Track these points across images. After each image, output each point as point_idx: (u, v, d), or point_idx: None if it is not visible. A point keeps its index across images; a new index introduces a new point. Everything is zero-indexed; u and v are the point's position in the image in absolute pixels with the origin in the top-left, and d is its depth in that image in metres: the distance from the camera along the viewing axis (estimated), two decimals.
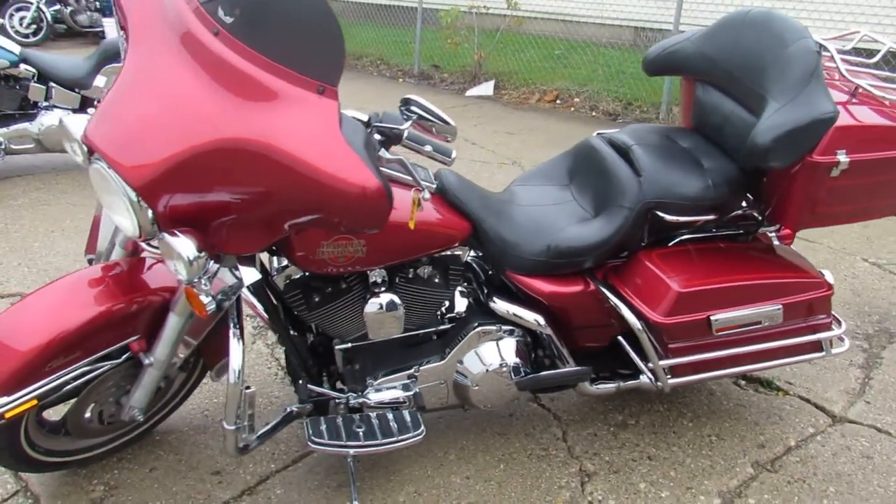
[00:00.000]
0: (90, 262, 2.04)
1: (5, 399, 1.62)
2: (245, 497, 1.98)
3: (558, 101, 6.89)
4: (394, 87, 7.54)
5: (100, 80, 4.35)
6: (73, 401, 1.86)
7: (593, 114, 6.51)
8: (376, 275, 1.84)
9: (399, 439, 1.87)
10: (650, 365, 1.95)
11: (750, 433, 2.25)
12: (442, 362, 1.97)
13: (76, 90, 4.35)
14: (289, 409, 1.96)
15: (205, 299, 1.58)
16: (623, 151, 1.99)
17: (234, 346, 1.67)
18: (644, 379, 2.08)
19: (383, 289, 1.86)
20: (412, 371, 1.96)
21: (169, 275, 1.85)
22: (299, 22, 1.47)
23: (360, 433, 1.88)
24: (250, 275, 1.71)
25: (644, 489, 2.02)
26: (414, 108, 1.70)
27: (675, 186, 1.89)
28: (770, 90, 1.78)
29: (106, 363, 1.78)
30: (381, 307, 1.83)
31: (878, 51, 1.92)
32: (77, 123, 1.67)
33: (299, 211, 1.49)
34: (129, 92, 1.51)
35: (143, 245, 1.76)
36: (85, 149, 1.67)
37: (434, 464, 2.10)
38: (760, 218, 2.02)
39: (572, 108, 6.68)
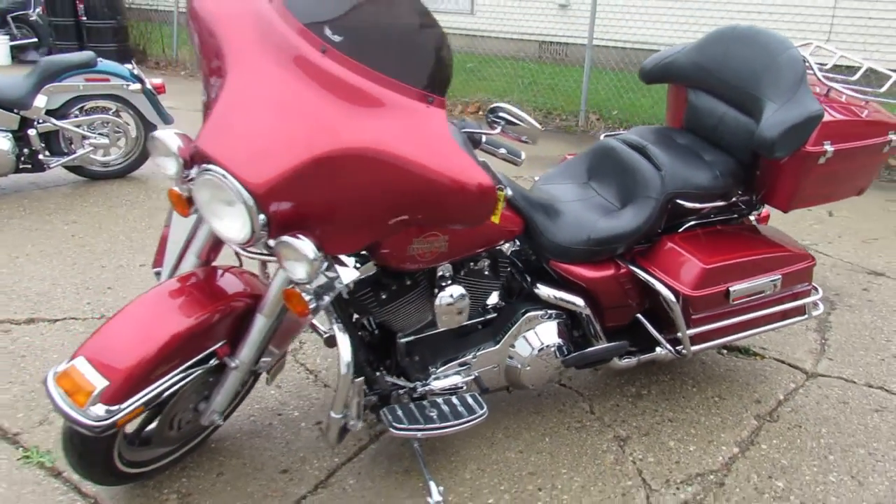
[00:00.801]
0: (157, 274, 2.08)
1: (118, 406, 1.66)
2: (320, 490, 2.08)
3: (480, 112, 7.20)
4: None
5: (40, 101, 4.21)
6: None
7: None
8: (444, 269, 2.01)
9: (468, 419, 2.04)
10: (679, 335, 2.22)
11: (745, 392, 2.58)
12: (496, 347, 2.15)
13: (15, 111, 4.17)
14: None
15: (307, 298, 1.70)
16: (640, 150, 2.26)
17: (343, 340, 1.79)
18: (660, 351, 2.36)
19: (450, 282, 2.02)
20: (469, 358, 2.14)
21: (243, 281, 1.94)
22: (407, 37, 1.63)
23: (434, 416, 2.03)
24: (348, 273, 1.82)
25: (674, 446, 2.29)
26: (502, 115, 1.88)
27: (691, 178, 2.18)
28: (766, 93, 2.11)
29: (197, 369, 1.84)
30: (452, 299, 1.99)
31: (855, 67, 2.30)
32: (170, 138, 1.74)
33: (415, 211, 1.64)
34: (242, 107, 1.61)
35: (240, 251, 1.83)
36: (180, 162, 1.74)
37: (486, 443, 2.28)
38: (753, 203, 2.36)
39: None
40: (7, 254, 3.53)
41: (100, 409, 1.65)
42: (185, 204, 1.87)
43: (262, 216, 1.58)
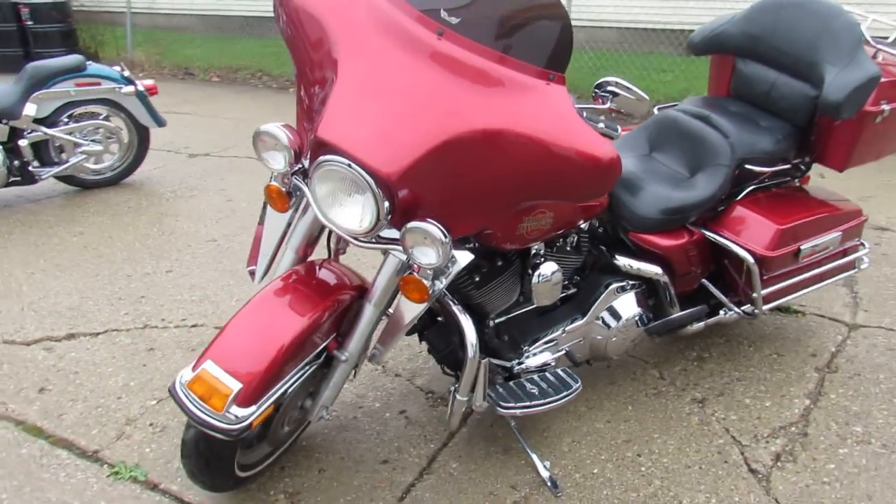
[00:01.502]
0: (251, 273, 2.04)
1: (252, 408, 1.64)
2: (426, 476, 2.09)
3: None
4: (286, 99, 7.47)
5: (30, 109, 4.03)
6: None
7: None
8: (538, 246, 2.03)
9: (567, 393, 2.07)
10: (755, 295, 2.30)
11: (799, 347, 2.69)
12: (583, 321, 2.19)
13: (3, 121, 3.99)
14: (455, 386, 2.08)
15: (428, 283, 1.70)
16: (703, 119, 2.32)
17: (466, 322, 1.80)
18: (724, 314, 2.45)
19: (543, 259, 2.04)
20: (559, 334, 2.17)
21: (345, 274, 1.92)
22: (525, 14, 1.63)
23: (536, 393, 2.06)
24: (464, 256, 1.81)
25: (750, 403, 2.38)
26: (610, 89, 1.87)
27: (756, 143, 2.26)
28: (825, 57, 2.19)
29: (312, 365, 1.82)
30: (549, 275, 2.01)
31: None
32: (278, 130, 1.71)
33: (544, 188, 1.66)
34: (362, 95, 1.59)
35: (353, 241, 1.80)
36: (291, 154, 1.71)
37: (573, 417, 2.33)
38: (808, 165, 2.46)
39: None
40: (21, 270, 3.39)
41: (237, 412, 1.63)
42: (286, 199, 1.85)
43: (386, 203, 1.57)
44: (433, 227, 1.58)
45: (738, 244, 2.22)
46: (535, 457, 2.10)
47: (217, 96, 7.61)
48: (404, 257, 1.72)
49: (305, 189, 1.77)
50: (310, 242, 1.95)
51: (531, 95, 1.61)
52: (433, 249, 1.60)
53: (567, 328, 2.18)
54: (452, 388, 2.09)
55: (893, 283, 3.17)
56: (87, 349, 2.75)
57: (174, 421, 2.32)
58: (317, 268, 1.93)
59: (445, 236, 1.58)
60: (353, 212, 1.63)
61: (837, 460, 2.11)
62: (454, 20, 1.63)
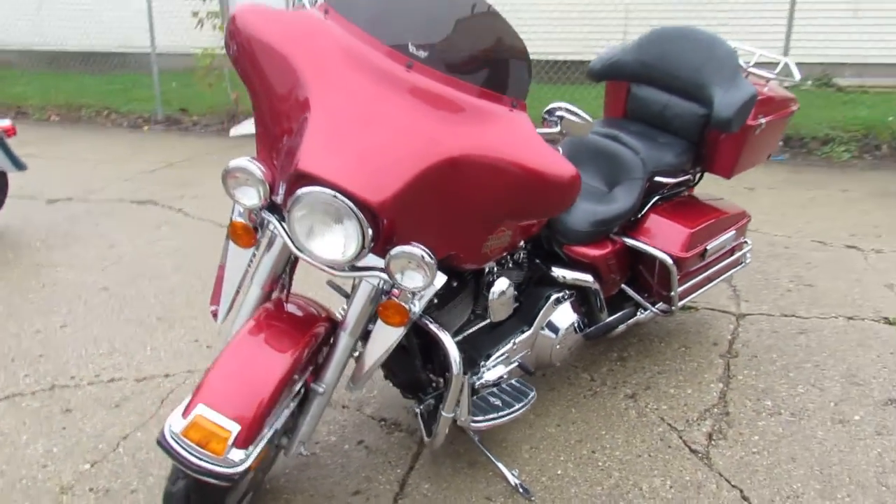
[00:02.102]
0: (214, 312, 1.97)
1: (248, 450, 1.61)
2: (401, 501, 2.12)
3: None
4: (142, 138, 7.11)
5: None
6: None
7: None
8: (491, 264, 2.14)
9: (527, 401, 2.20)
10: (672, 294, 2.55)
11: (702, 339, 3.00)
12: (530, 332, 2.33)
13: None
14: (420, 408, 2.14)
15: (409, 306, 1.76)
16: (612, 138, 2.56)
17: (447, 340, 1.86)
18: (640, 314, 2.69)
19: (495, 276, 2.16)
20: (509, 347, 2.29)
21: (314, 307, 1.93)
22: (487, 48, 1.75)
23: (500, 404, 2.16)
24: (439, 279, 1.87)
25: (674, 392, 2.63)
26: (559, 113, 1.99)
27: (662, 157, 2.53)
28: (711, 80, 2.50)
29: (293, 401, 1.81)
30: (504, 291, 2.13)
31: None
32: (252, 165, 1.70)
33: (516, 207, 1.77)
34: (339, 126, 1.63)
35: (330, 271, 1.80)
36: (266, 189, 1.71)
37: (525, 426, 2.45)
38: (699, 175, 2.77)
39: None
40: None
41: (236, 454, 1.59)
42: (252, 235, 1.84)
43: (370, 231, 1.62)
44: (421, 251, 1.64)
45: (657, 248, 2.46)
46: (501, 466, 2.19)
47: (60, 137, 7.09)
48: (377, 283, 1.77)
49: (275, 223, 1.77)
50: (274, 278, 1.94)
51: (498, 122, 1.72)
52: (420, 273, 1.66)
53: (516, 341, 2.30)
54: (418, 410, 2.14)
55: (762, 275, 3.60)
56: None
57: (116, 483, 2.19)
58: (284, 304, 1.92)
59: (432, 259, 1.65)
60: (334, 242, 1.66)
61: (759, 432, 2.39)
62: (422, 54, 1.72)
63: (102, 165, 5.90)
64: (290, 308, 1.90)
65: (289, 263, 1.95)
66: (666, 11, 7.48)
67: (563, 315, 2.40)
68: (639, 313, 2.71)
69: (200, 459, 1.57)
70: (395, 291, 1.75)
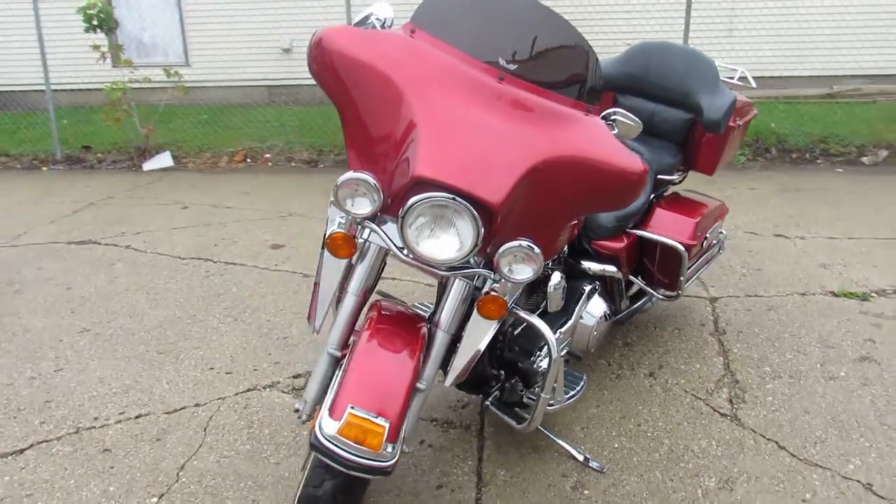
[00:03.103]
0: (313, 325, 2.01)
1: (397, 445, 1.69)
2: (484, 489, 2.24)
3: (248, 160, 7.15)
4: (44, 179, 6.71)
5: None
6: None
7: (292, 164, 6.98)
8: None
9: (583, 384, 2.40)
10: (682, 279, 2.83)
11: (690, 321, 3.32)
12: (571, 322, 2.52)
13: None
14: (489, 401, 2.28)
15: (508, 298, 1.92)
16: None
17: (544, 327, 2.02)
18: (645, 301, 2.97)
19: (550, 270, 2.34)
20: (557, 336, 2.47)
21: (407, 308, 2.03)
22: (566, 59, 1.94)
23: (564, 390, 2.34)
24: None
25: (685, 368, 2.90)
26: (614, 117, 2.20)
27: (662, 158, 2.83)
28: (696, 89, 2.83)
29: None
30: (559, 283, 2.31)
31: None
32: (366, 176, 1.79)
33: (598, 202, 1.96)
34: (449, 134, 1.76)
35: (438, 272, 1.91)
36: (381, 197, 1.80)
37: (569, 410, 2.62)
38: (685, 174, 3.10)
39: (270, 164, 7.02)
40: None
41: (389, 448, 1.66)
42: (352, 244, 1.91)
43: (482, 230, 1.76)
44: (529, 244, 1.80)
45: (670, 238, 2.74)
46: (567, 446, 2.36)
47: None
48: (474, 280, 1.91)
49: (379, 230, 1.87)
50: (369, 287, 2.01)
51: (578, 125, 1.92)
52: (530, 266, 1.82)
53: (560, 331, 2.49)
54: (488, 403, 2.28)
55: (716, 263, 3.99)
56: (23, 468, 2.36)
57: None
58: (383, 309, 1.99)
59: (540, 251, 1.81)
60: (449, 242, 1.78)
61: (770, 393, 2.71)
62: (511, 67, 1.89)
63: (14, 209, 5.54)
64: (393, 312, 1.98)
65: (381, 270, 2.04)
66: None
67: (596, 305, 2.61)
68: (643, 300, 2.98)
69: (359, 456, 1.62)
70: (496, 286, 1.89)
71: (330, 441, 1.64)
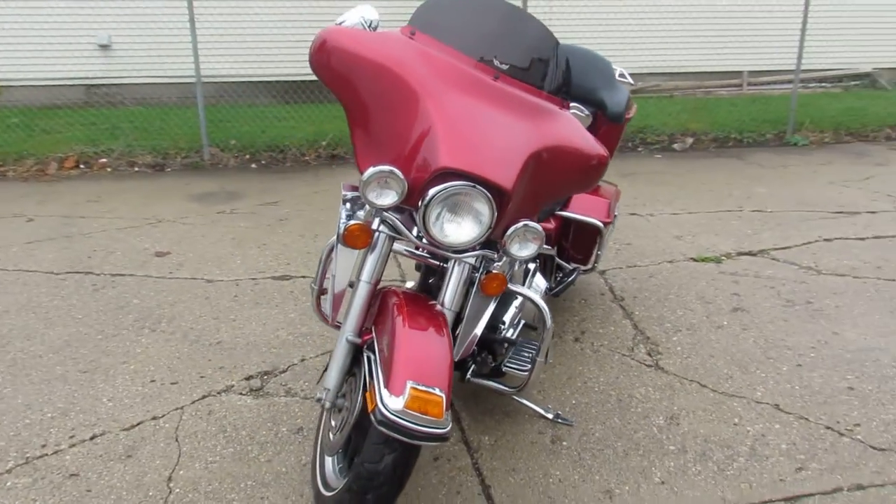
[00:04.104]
0: (338, 326, 2.08)
1: (449, 413, 1.84)
2: (475, 455, 2.44)
3: (82, 167, 6.61)
4: None
5: None
6: None
7: (136, 169, 6.57)
8: None
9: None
10: (599, 253, 3.22)
11: (591, 292, 3.74)
12: (522, 299, 2.80)
13: None
14: (468, 376, 2.49)
15: (508, 275, 2.15)
16: None
17: (538, 298, 2.26)
18: (575, 276, 3.34)
19: None
20: (514, 311, 2.73)
21: (415, 291, 2.18)
22: (547, 59, 2.18)
23: (528, 357, 2.60)
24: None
25: (603, 331, 3.30)
26: (571, 111, 2.45)
27: None
28: (598, 85, 3.23)
29: None
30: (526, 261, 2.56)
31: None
32: (395, 169, 1.90)
33: (577, 184, 2.24)
34: (461, 127, 1.95)
35: (452, 255, 2.06)
36: (406, 188, 1.93)
37: None
38: None
39: (109, 169, 6.55)
40: None
41: (448, 417, 1.80)
42: (369, 234, 2.02)
43: (494, 214, 1.97)
44: (536, 226, 2.03)
45: (591, 217, 3.11)
46: (535, 407, 2.63)
47: None
48: (474, 261, 2.11)
49: (396, 220, 2.01)
50: (380, 275, 2.12)
51: (558, 118, 2.19)
52: (535, 244, 2.05)
53: (516, 305, 2.75)
54: (469, 377, 2.48)
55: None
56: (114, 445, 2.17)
57: None
58: (398, 294, 2.10)
59: (542, 231, 2.06)
60: (468, 226, 1.96)
61: (678, 344, 3.18)
62: (504, 66, 2.10)
63: None
64: (410, 295, 2.10)
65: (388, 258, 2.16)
66: None
67: (539, 281, 2.91)
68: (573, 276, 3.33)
69: (424, 426, 1.75)
70: (497, 265, 2.11)
71: (397, 415, 1.74)
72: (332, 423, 2.09)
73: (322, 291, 2.42)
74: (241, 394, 2.77)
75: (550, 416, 2.62)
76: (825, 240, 4.52)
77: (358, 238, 2.01)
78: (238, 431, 2.53)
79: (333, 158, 6.95)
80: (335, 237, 2.30)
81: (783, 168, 6.49)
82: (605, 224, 3.14)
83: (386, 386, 1.80)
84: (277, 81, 8.24)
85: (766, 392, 2.79)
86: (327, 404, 2.06)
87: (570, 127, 2.20)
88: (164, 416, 2.63)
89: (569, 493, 2.24)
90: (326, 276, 2.18)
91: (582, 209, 3.13)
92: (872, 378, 2.88)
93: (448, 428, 1.80)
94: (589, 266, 3.31)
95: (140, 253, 4.30)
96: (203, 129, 6.75)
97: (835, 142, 7.57)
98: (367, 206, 2.01)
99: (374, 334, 2.01)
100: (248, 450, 2.44)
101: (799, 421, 2.60)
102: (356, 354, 2.08)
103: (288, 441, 2.48)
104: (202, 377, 2.89)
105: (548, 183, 2.14)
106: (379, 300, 2.10)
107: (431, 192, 1.90)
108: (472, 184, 1.89)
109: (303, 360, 3.02)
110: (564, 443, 2.49)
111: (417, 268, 2.50)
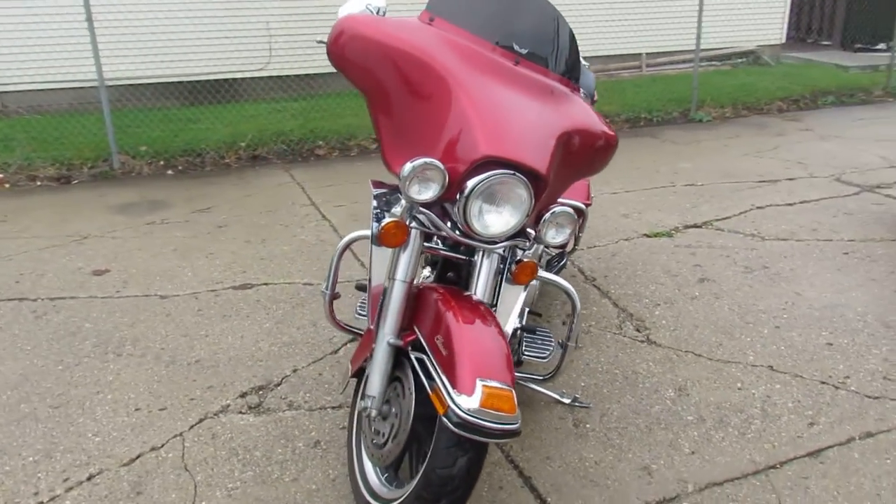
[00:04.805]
0: (349, 330, 1.98)
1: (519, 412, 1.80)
2: (509, 445, 2.41)
3: None
4: None
5: None
6: None
7: (38, 183, 6.04)
8: None
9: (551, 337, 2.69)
10: (580, 235, 3.24)
11: (563, 275, 3.78)
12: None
13: None
14: None
15: (539, 263, 2.14)
16: None
17: (566, 284, 2.23)
18: (565, 261, 3.36)
19: None
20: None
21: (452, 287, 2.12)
22: (562, 44, 2.16)
23: (541, 343, 2.59)
24: None
25: (587, 313, 3.35)
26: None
27: None
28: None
29: None
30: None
31: None
32: (437, 162, 1.82)
33: (592, 163, 2.23)
34: (494, 116, 1.90)
35: (487, 246, 1.99)
36: (447, 179, 1.86)
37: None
38: None
39: (7, 185, 5.98)
40: None
41: (519, 411, 1.76)
42: (405, 230, 1.94)
43: (533, 200, 1.95)
44: (570, 209, 2.02)
45: (574, 199, 3.13)
46: (552, 394, 2.63)
47: None
48: (503, 251, 2.07)
49: (429, 214, 1.94)
50: (415, 273, 2.04)
51: (574, 101, 2.18)
52: (570, 228, 2.04)
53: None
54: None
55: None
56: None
57: None
58: (440, 290, 2.01)
59: (576, 215, 2.05)
60: (507, 215, 1.92)
61: (662, 318, 3.28)
62: (524, 51, 2.07)
63: None
64: (452, 292, 2.01)
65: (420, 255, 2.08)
66: (302, 22, 8.15)
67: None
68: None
69: (500, 423, 1.70)
70: (528, 253, 2.08)
71: (473, 416, 1.68)
72: (380, 431, 2.00)
73: (335, 296, 2.31)
74: (240, 412, 2.61)
75: (567, 400, 2.62)
76: (758, 208, 4.78)
77: (395, 236, 1.92)
78: (251, 453, 2.38)
79: (255, 160, 6.66)
80: (348, 238, 2.21)
81: (696, 143, 6.82)
82: (587, 206, 3.17)
83: (454, 386, 1.73)
84: (187, 82, 7.82)
85: (757, 355, 2.92)
86: (373, 413, 1.96)
87: (586, 110, 2.20)
88: (163, 445, 2.43)
89: (609, 473, 2.26)
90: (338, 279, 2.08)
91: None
92: (845, 332, 3.08)
93: (519, 423, 1.76)
94: (571, 248, 3.35)
95: (75, 273, 3.95)
96: (111, 136, 6.28)
97: (734, 116, 8.03)
98: (403, 203, 1.94)
99: (419, 334, 1.93)
100: (268, 471, 2.29)
101: (795, 379, 2.74)
102: (397, 358, 2.00)
103: (308, 457, 2.36)
104: (192, 399, 2.69)
105: (571, 165, 2.13)
106: (414, 299, 2.02)
107: (472, 182, 1.85)
108: (512, 171, 1.84)
109: (295, 371, 2.88)
110: (588, 425, 2.51)
111: (432, 264, 2.44)
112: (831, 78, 9.21)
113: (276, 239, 4.41)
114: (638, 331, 3.16)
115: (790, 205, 4.82)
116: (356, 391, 2.28)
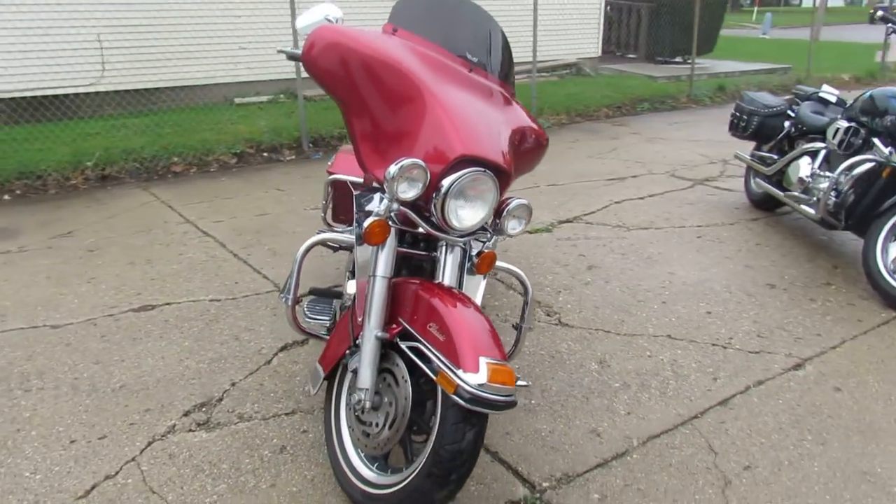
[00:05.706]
0: (311, 335, 2.06)
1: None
2: None
3: None
4: None
5: None
6: None
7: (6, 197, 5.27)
8: None
9: None
10: None
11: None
12: None
13: None
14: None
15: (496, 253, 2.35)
16: None
17: (519, 271, 2.43)
18: None
19: None
20: None
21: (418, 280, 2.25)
22: (504, 54, 2.36)
23: None
24: None
25: (494, 307, 3.60)
26: None
27: None
28: None
29: None
30: None
31: None
32: (420, 162, 1.95)
33: (533, 161, 2.47)
34: (464, 118, 2.08)
35: (455, 240, 2.14)
36: (429, 178, 2.00)
37: None
38: None
39: None
40: None
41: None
42: (387, 229, 2.05)
43: (499, 195, 2.15)
44: (527, 201, 2.24)
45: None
46: None
47: None
48: (464, 244, 2.25)
49: (409, 212, 2.07)
50: (393, 269, 2.13)
51: (515, 105, 2.42)
52: (526, 220, 2.26)
53: None
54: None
55: None
56: None
57: None
58: (415, 282, 2.12)
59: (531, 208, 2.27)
60: (478, 210, 2.11)
61: (566, 303, 3.59)
62: (475, 59, 2.26)
63: None
64: (422, 283, 2.13)
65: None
66: (138, 35, 7.80)
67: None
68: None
69: (503, 396, 1.86)
70: (489, 244, 2.28)
71: (482, 391, 1.83)
72: (373, 422, 2.08)
73: (297, 301, 2.35)
74: (190, 430, 2.54)
75: (523, 382, 2.82)
76: (616, 202, 5.33)
77: (379, 234, 2.03)
78: (217, 466, 2.34)
79: (105, 179, 6.24)
80: (308, 243, 2.26)
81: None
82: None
83: (459, 366, 1.87)
84: (8, 98, 7.13)
85: (655, 327, 3.32)
86: (367, 405, 2.04)
87: (524, 113, 2.44)
88: (117, 472, 2.31)
89: (564, 440, 2.49)
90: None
91: None
92: (717, 302, 3.58)
93: (515, 394, 1.94)
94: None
95: None
96: None
97: (570, 122, 8.77)
98: (385, 202, 2.04)
99: (406, 326, 2.04)
100: (241, 481, 2.27)
101: (691, 344, 3.16)
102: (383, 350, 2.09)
103: (278, 462, 2.36)
104: (132, 424, 2.57)
105: (518, 163, 2.35)
106: (392, 293, 2.12)
107: (448, 180, 2.00)
108: (483, 168, 2.03)
109: (234, 385, 2.84)
110: (533, 401, 2.73)
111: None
112: (645, 87, 10.32)
113: (160, 259, 4.22)
114: (549, 315, 3.45)
115: (641, 198, 5.42)
116: (328, 391, 2.33)
